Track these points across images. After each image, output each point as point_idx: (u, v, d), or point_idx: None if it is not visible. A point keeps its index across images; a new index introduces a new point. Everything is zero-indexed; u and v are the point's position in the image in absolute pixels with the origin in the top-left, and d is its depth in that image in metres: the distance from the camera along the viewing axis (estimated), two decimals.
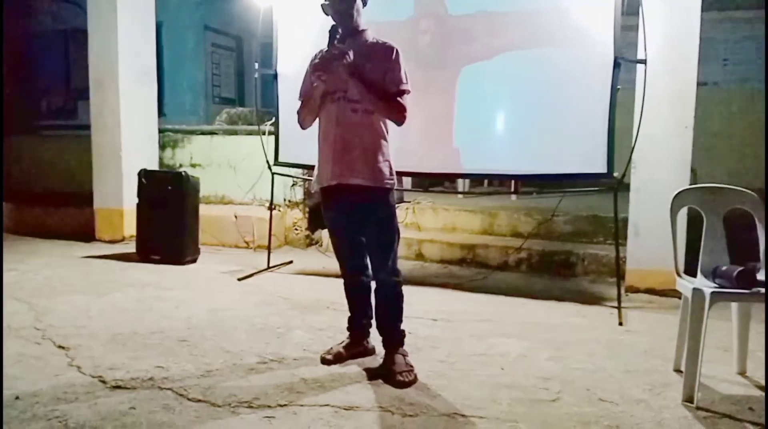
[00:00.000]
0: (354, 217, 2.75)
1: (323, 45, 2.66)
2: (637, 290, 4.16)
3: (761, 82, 7.70)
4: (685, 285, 2.61)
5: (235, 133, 6.41)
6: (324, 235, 5.66)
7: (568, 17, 3.93)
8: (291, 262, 5.10)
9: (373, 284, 2.82)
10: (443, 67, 4.30)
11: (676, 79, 4.02)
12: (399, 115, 2.66)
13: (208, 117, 8.47)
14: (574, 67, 3.94)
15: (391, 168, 2.74)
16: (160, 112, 6.81)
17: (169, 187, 5.00)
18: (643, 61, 3.85)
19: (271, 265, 4.82)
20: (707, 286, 2.51)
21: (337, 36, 2.61)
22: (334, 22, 2.68)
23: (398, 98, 2.64)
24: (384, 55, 2.66)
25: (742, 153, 7.74)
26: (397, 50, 2.67)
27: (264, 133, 5.09)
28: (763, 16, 7.66)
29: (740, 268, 2.47)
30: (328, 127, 2.71)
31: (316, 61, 2.64)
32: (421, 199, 5.90)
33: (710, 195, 2.79)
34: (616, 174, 3.83)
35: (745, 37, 7.81)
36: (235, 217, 5.74)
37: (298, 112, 2.81)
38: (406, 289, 2.83)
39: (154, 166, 5.95)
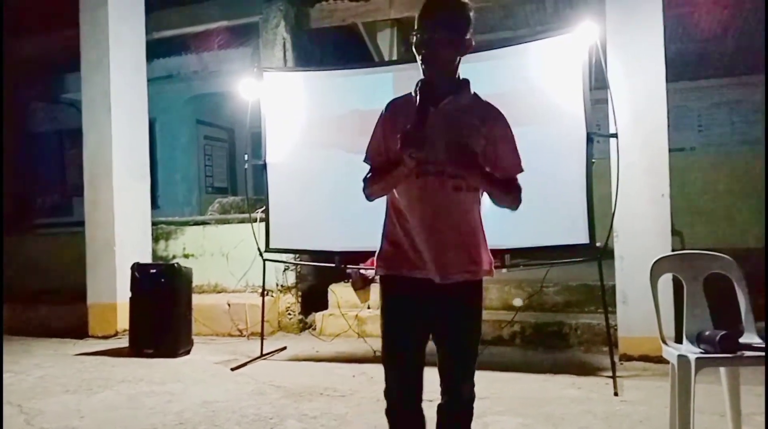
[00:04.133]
0: (432, 322, 2.05)
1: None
2: (630, 358, 4.14)
3: (733, 145, 7.97)
4: (671, 352, 2.62)
5: (227, 221, 6.51)
6: (317, 318, 5.64)
7: (541, 97, 4.10)
8: (284, 348, 5.07)
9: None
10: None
11: (648, 149, 4.17)
12: (517, 198, 2.07)
13: (201, 206, 8.61)
14: (551, 143, 4.08)
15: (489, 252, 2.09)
16: (154, 205, 6.94)
17: (162, 280, 5.03)
18: (615, 135, 4.01)
19: (264, 352, 4.79)
20: (692, 352, 2.53)
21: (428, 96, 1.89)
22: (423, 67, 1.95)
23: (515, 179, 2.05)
24: (498, 121, 2.06)
25: (728, 214, 7.86)
26: (504, 117, 2.07)
27: (255, 221, 5.19)
28: (731, 83, 8.02)
29: (722, 333, 2.49)
30: (419, 207, 1.96)
31: (406, 128, 1.82)
32: None
33: (688, 261, 2.84)
34: (598, 243, 3.90)
35: (716, 104, 8.11)
36: (228, 305, 5.74)
37: (367, 182, 2.02)
38: None
39: (147, 258, 5.99)
